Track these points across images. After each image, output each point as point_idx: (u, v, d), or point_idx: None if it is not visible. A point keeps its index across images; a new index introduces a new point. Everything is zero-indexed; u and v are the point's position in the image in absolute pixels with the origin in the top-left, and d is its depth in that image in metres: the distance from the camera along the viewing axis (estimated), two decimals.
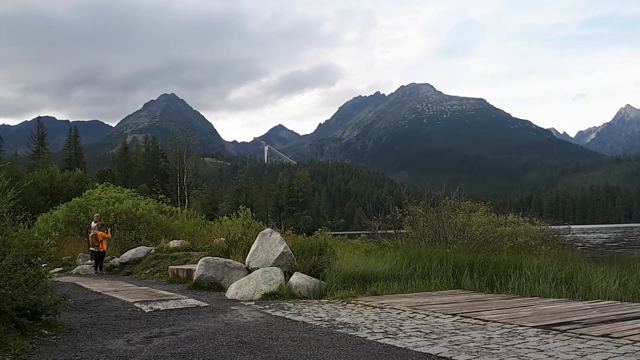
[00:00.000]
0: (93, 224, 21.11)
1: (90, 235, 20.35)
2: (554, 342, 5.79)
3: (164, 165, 72.58)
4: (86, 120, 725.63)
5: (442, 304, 8.76)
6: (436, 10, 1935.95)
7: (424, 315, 7.76)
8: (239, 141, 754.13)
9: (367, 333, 6.69)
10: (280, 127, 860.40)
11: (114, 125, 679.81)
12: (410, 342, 6.04)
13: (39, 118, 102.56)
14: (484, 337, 6.20)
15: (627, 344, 5.50)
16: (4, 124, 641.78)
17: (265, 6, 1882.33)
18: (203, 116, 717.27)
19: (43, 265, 7.99)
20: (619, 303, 8.47)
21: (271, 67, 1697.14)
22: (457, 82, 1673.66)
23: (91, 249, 20.27)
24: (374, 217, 19.25)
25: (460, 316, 7.55)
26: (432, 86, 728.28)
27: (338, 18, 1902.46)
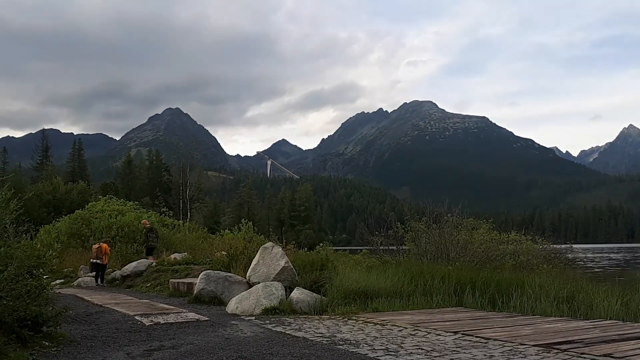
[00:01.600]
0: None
1: (95, 247, 20.46)
2: None
3: (167, 179, 72.65)
4: (91, 133, 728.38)
5: (444, 321, 8.73)
6: (449, 30, 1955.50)
7: (426, 333, 7.74)
8: (243, 155, 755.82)
9: (368, 350, 6.67)
10: (283, 142, 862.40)
11: (118, 138, 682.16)
12: None
13: (43, 130, 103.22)
14: (485, 355, 6.18)
15: None
16: (8, 136, 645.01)
17: (298, 27, 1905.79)
18: (207, 130, 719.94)
19: (45, 277, 7.99)
20: (621, 323, 8.43)
21: (294, 86, 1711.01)
22: (465, 101, 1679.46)
23: (93, 260, 20.34)
24: (376, 233, 19.20)
25: (462, 334, 7.52)
26: (435, 104, 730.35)
27: (367, 38, 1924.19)
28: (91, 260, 20.66)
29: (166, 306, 11.75)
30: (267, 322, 9.24)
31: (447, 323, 8.51)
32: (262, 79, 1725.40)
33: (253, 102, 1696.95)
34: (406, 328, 8.17)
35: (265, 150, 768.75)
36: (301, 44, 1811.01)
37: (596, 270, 30.54)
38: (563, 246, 23.31)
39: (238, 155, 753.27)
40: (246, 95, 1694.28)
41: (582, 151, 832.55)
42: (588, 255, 58.17)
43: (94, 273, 20.32)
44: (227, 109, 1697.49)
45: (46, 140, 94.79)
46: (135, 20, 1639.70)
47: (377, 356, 6.29)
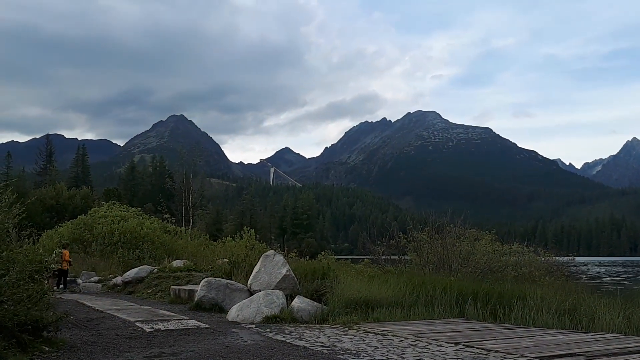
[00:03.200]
0: None
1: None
2: None
3: (170, 185, 72.78)
4: (95, 139, 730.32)
5: (445, 332, 8.70)
6: (461, 42, 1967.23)
7: (427, 344, 7.71)
8: (246, 162, 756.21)
9: None
10: (286, 150, 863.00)
11: (122, 144, 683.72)
12: None
13: (47, 135, 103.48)
14: None
15: None
16: (12, 140, 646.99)
17: (327, 40, 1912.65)
18: (211, 137, 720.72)
19: (45, 281, 8.00)
20: (623, 336, 8.40)
21: (315, 96, 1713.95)
22: (471, 112, 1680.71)
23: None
24: (378, 242, 19.18)
25: (463, 345, 7.49)
26: (439, 114, 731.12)
27: (395, 51, 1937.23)
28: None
29: (167, 313, 11.74)
30: (268, 330, 9.22)
31: (449, 334, 8.49)
32: (284, 89, 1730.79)
33: (272, 111, 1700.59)
34: (407, 338, 8.14)
35: (268, 158, 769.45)
36: (327, 56, 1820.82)
37: (598, 283, 30.43)
38: (565, 258, 23.25)
39: (241, 162, 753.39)
40: (266, 105, 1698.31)
41: (585, 163, 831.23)
42: (590, 268, 57.96)
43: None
44: (244, 118, 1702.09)
45: (50, 145, 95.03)
46: (169, 30, 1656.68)
47: None
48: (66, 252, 20.48)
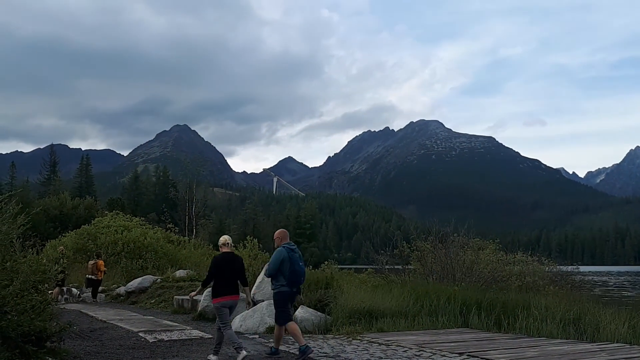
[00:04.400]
0: None
1: (91, 263, 20.45)
2: None
3: (173, 195, 72.80)
4: (98, 149, 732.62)
5: (449, 342, 8.67)
6: (469, 51, 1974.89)
7: (431, 354, 7.68)
8: (249, 172, 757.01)
9: None
10: (289, 159, 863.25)
11: (125, 154, 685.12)
12: None
13: (51, 145, 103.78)
14: None
15: None
16: (17, 151, 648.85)
17: (349, 52, 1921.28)
18: (214, 147, 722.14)
19: (49, 292, 8.00)
20: (629, 346, 8.35)
21: (332, 108, 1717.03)
22: (475, 121, 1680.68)
23: (89, 276, 20.33)
24: (382, 252, 19.15)
25: (467, 355, 7.46)
26: (442, 123, 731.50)
27: (415, 62, 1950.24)
28: (87, 276, 20.67)
29: (170, 323, 11.72)
30: (271, 340, 9.19)
31: (453, 344, 8.46)
32: (301, 100, 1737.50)
33: (287, 122, 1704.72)
34: (411, 349, 8.11)
35: (271, 168, 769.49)
36: (348, 68, 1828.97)
37: (603, 292, 30.29)
38: (569, 268, 23.18)
39: (244, 172, 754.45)
40: (282, 116, 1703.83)
41: (588, 172, 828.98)
42: (595, 278, 57.71)
43: (90, 289, 20.37)
44: (259, 128, 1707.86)
45: (54, 155, 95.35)
46: (195, 42, 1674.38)
47: None
48: (101, 262, 20.64)
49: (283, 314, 7.86)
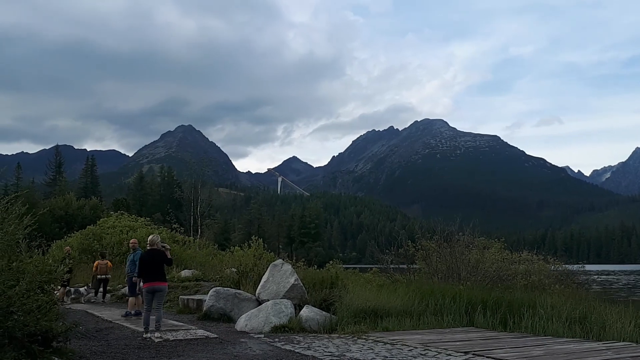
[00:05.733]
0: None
1: (102, 263, 20.51)
2: None
3: (178, 195, 72.91)
4: (103, 149, 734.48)
5: (455, 341, 8.65)
6: (479, 49, 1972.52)
7: (436, 353, 7.67)
8: (253, 172, 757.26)
9: None
10: (294, 159, 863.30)
11: (130, 155, 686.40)
12: None
13: (57, 146, 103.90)
14: None
15: None
16: (22, 152, 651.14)
17: (373, 55, 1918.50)
18: (219, 147, 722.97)
19: (56, 292, 8.04)
20: (635, 345, 8.32)
21: (351, 107, 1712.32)
22: (482, 120, 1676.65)
23: (101, 276, 20.39)
24: (387, 251, 19.14)
25: (473, 354, 7.45)
26: (446, 122, 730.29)
27: (437, 63, 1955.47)
28: (98, 276, 20.67)
29: (175, 323, 11.75)
30: (276, 340, 9.20)
31: (458, 343, 8.44)
32: (319, 101, 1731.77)
33: (303, 124, 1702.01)
34: (416, 348, 8.11)
35: (275, 168, 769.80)
36: (369, 69, 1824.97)
37: (609, 290, 30.19)
38: (575, 266, 23.11)
39: (249, 172, 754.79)
40: (299, 117, 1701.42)
41: (594, 171, 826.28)
42: (601, 276, 57.51)
43: (101, 289, 20.39)
44: (274, 129, 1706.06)
45: (59, 156, 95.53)
46: (221, 45, 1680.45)
47: None
48: (109, 262, 20.85)
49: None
